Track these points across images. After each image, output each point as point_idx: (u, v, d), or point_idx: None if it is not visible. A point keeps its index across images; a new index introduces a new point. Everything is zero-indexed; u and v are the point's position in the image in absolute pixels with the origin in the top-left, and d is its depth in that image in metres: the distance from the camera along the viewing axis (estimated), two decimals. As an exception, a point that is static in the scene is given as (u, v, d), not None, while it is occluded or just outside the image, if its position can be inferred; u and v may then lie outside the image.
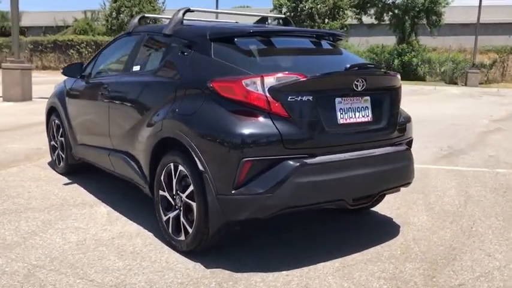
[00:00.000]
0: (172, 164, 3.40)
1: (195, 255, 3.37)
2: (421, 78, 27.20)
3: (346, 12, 26.39)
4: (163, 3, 32.83)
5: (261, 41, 3.57)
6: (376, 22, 29.03)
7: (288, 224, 4.04)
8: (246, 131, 3.01)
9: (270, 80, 3.04)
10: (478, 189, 5.31)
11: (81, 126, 4.99)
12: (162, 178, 3.52)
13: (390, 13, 28.45)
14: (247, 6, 43.18)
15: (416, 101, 16.34)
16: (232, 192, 3.01)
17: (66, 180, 5.33)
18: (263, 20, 4.63)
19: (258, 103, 3.03)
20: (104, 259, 3.34)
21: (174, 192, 3.43)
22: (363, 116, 3.40)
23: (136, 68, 4.17)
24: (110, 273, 3.12)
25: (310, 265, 3.29)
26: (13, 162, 6.09)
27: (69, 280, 3.02)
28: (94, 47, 32.93)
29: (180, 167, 3.31)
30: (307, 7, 25.03)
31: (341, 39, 4.22)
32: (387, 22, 28.99)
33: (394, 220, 4.27)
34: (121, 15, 28.64)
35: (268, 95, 3.03)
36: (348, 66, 3.36)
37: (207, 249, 3.38)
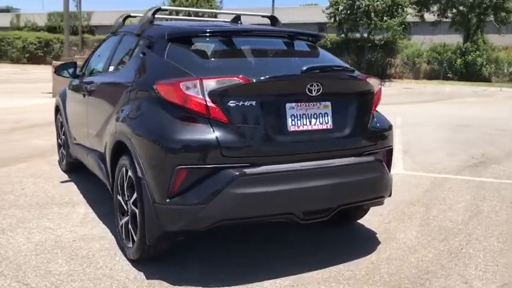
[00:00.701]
0: (124, 168, 3.30)
1: (144, 263, 3.25)
2: (485, 79, 25.61)
3: (405, 9, 25.25)
4: (220, 2, 33.11)
5: (221, 41, 3.38)
6: (438, 19, 27.65)
7: (250, 233, 3.82)
8: (182, 137, 2.84)
9: (210, 83, 2.86)
10: (492, 205, 4.81)
11: (74, 125, 5.03)
12: (118, 182, 3.43)
13: (454, 10, 26.99)
14: (315, 4, 42.58)
15: (473, 103, 15.42)
16: (167, 201, 2.86)
17: (66, 178, 5.40)
18: (236, 18, 4.44)
19: (196, 107, 2.85)
20: (51, 262, 3.29)
21: (126, 198, 3.33)
22: (321, 123, 3.12)
23: (111, 68, 4.13)
24: (48, 278, 3.06)
25: (255, 282, 3.06)
26: (27, 158, 6.27)
27: (5, 283, 2.99)
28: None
29: (129, 172, 3.20)
30: (363, 4, 24.24)
31: (319, 40, 3.93)
32: (450, 20, 27.53)
33: (377, 235, 3.93)
34: (179, 14, 29.13)
35: (207, 99, 2.84)
36: (304, 69, 3.10)
37: (157, 257, 3.26)
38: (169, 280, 3.05)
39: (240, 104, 2.86)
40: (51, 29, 43.15)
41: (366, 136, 3.31)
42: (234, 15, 4.50)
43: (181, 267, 3.25)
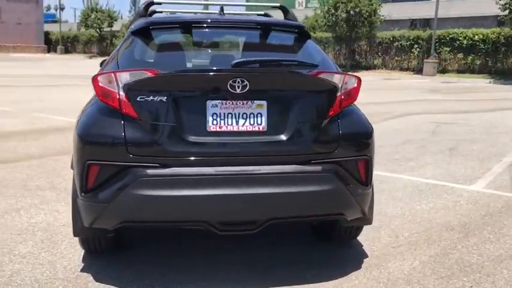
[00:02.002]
0: None
1: (94, 256, 3.28)
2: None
3: None
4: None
5: (179, 33, 3.23)
6: None
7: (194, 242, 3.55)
8: (93, 131, 2.77)
9: (124, 77, 2.72)
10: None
11: None
12: None
13: None
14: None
15: None
16: (82, 195, 2.82)
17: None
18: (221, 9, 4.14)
19: (110, 101, 2.75)
20: None
21: None
22: (252, 125, 2.75)
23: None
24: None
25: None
26: (57, 153, 6.27)
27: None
28: (313, 43, 34.00)
29: None
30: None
31: (303, 32, 3.43)
32: None
33: (366, 259, 3.35)
34: (338, 11, 28.76)
35: (121, 93, 2.71)
36: (234, 62, 2.76)
37: (109, 251, 3.26)
38: (100, 277, 3.02)
39: (149, 99, 2.67)
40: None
41: (316, 142, 2.83)
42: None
43: (126, 266, 3.19)
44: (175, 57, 3.13)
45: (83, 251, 3.31)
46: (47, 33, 56.06)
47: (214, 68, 2.80)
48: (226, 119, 2.72)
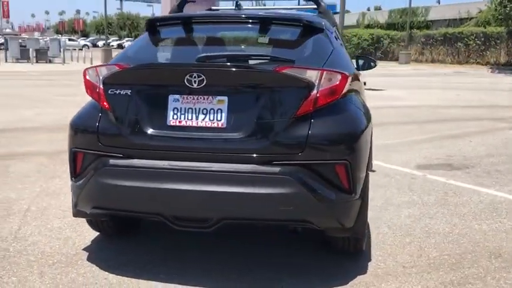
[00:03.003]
0: None
1: (103, 238, 3.55)
2: None
3: None
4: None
5: (180, 28, 3.27)
6: None
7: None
8: (78, 121, 2.98)
9: (103, 71, 2.88)
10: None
11: None
12: None
13: None
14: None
15: None
16: (72, 179, 3.06)
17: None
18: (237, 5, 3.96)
19: (92, 94, 2.93)
20: None
21: None
22: (212, 121, 2.68)
23: None
24: None
25: None
26: None
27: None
28: (483, 39, 30.96)
29: None
30: None
31: (311, 25, 3.15)
32: None
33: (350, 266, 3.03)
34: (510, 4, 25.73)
35: (100, 86, 2.88)
36: (198, 56, 2.72)
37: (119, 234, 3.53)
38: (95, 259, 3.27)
39: (118, 92, 2.79)
40: (390, 26, 44.69)
41: (278, 142, 2.63)
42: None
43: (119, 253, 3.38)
44: (158, 53, 3.19)
45: (97, 233, 3.58)
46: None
47: (172, 63, 2.80)
48: (186, 114, 2.71)
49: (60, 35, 76.97)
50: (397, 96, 13.87)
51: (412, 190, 4.83)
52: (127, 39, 72.26)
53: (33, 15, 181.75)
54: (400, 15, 44.34)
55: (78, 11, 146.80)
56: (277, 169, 2.61)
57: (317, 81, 2.68)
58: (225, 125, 2.67)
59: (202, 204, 2.68)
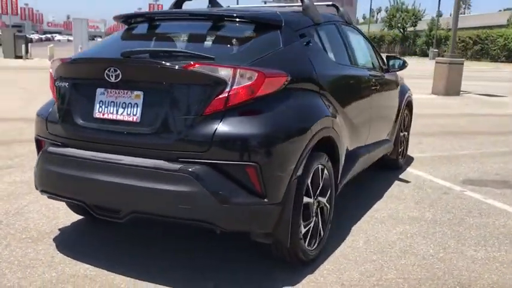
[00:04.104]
0: None
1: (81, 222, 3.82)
2: None
3: None
4: None
5: (145, 25, 3.37)
6: None
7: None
8: (39, 112, 3.23)
9: (55, 64, 3.10)
10: None
11: None
12: None
13: None
14: None
15: None
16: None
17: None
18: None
19: (50, 85, 3.19)
20: None
21: None
22: (128, 115, 2.73)
23: None
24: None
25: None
26: None
27: None
28: None
29: None
30: None
31: (244, 22, 2.98)
32: None
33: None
34: None
35: (53, 79, 3.13)
36: (122, 51, 2.79)
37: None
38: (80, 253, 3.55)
39: (60, 85, 2.98)
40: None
41: (184, 139, 2.59)
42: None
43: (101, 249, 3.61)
44: (105, 47, 3.31)
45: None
46: (357, 34, 59.34)
47: (94, 57, 2.90)
48: (109, 107, 2.81)
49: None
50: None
51: (431, 206, 4.35)
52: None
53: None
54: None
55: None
56: (178, 166, 2.59)
57: (230, 80, 2.59)
58: (139, 120, 2.72)
59: (114, 196, 2.77)
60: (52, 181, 3.00)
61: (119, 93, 2.78)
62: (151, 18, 3.38)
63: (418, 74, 20.68)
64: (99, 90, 2.85)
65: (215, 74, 2.59)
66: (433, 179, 5.21)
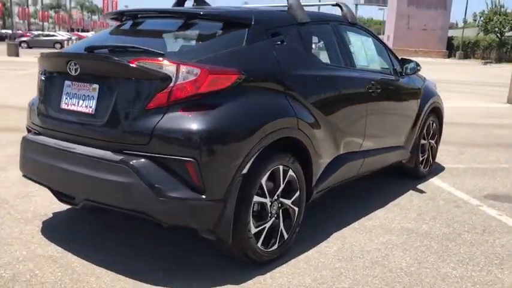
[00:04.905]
0: None
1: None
2: None
3: None
4: None
5: (131, 21, 3.52)
6: None
7: None
8: (31, 100, 3.49)
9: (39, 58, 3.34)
10: None
11: None
12: None
13: None
14: None
15: None
16: None
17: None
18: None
19: (38, 78, 3.43)
20: None
21: None
22: (86, 107, 2.87)
23: None
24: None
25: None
26: None
27: None
28: None
29: None
30: None
31: (214, 20, 2.97)
32: None
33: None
34: None
35: (39, 71, 3.37)
36: (86, 46, 2.95)
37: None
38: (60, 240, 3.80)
39: (40, 77, 3.22)
40: None
41: (127, 132, 2.68)
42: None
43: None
44: (84, 43, 3.47)
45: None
46: (450, 39, 56.58)
47: (58, 51, 3.07)
48: (72, 99, 2.97)
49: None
50: None
51: (434, 218, 4.09)
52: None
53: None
54: None
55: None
56: (118, 158, 2.69)
57: (174, 75, 2.65)
58: (93, 112, 2.86)
59: (69, 183, 2.95)
60: (28, 166, 3.23)
61: (80, 86, 2.94)
62: (135, 16, 3.52)
63: (504, 81, 19.27)
64: (66, 83, 3.03)
65: (158, 69, 2.66)
66: (453, 191, 4.87)
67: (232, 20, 3.15)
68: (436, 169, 5.66)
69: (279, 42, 3.23)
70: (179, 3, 4.07)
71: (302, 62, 3.38)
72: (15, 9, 71.16)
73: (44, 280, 2.84)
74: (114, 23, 3.76)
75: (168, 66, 2.65)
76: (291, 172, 3.15)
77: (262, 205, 3.01)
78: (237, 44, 3.00)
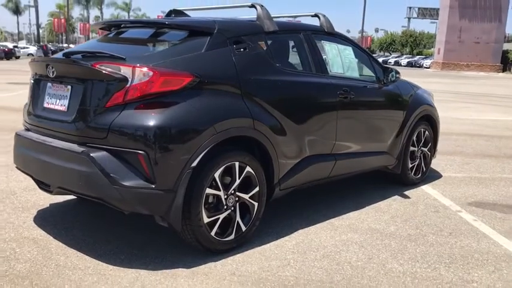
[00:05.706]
0: None
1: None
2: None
3: None
4: None
5: (116, 32, 3.91)
6: None
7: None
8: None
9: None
10: None
11: None
12: None
13: None
14: None
15: None
16: None
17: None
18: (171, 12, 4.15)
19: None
20: None
21: None
22: (61, 105, 3.27)
23: None
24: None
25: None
26: None
27: None
28: None
29: None
30: None
31: (180, 29, 3.28)
32: None
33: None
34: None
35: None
36: (64, 52, 3.35)
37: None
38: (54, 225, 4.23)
39: (31, 80, 3.66)
40: None
41: (89, 127, 3.04)
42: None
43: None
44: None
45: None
46: (505, 52, 54.62)
47: (40, 57, 3.47)
48: (52, 98, 3.38)
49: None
50: None
51: (406, 221, 4.21)
52: (406, 55, 71.69)
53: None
54: None
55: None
56: (81, 149, 3.05)
57: (130, 77, 2.99)
58: (66, 109, 3.25)
59: (44, 172, 3.36)
60: (18, 158, 3.66)
61: (58, 87, 3.34)
62: (119, 26, 3.92)
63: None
64: (48, 85, 3.44)
65: (117, 71, 3.02)
66: (438, 198, 4.94)
67: (196, 29, 3.47)
68: (432, 177, 5.72)
69: (241, 49, 3.52)
70: (168, 15, 4.46)
71: (264, 67, 3.63)
72: (78, 25, 75.55)
73: (20, 257, 3.23)
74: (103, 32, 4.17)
75: (125, 69, 3.00)
76: (248, 169, 3.40)
77: (218, 197, 3.27)
78: (197, 50, 3.31)
